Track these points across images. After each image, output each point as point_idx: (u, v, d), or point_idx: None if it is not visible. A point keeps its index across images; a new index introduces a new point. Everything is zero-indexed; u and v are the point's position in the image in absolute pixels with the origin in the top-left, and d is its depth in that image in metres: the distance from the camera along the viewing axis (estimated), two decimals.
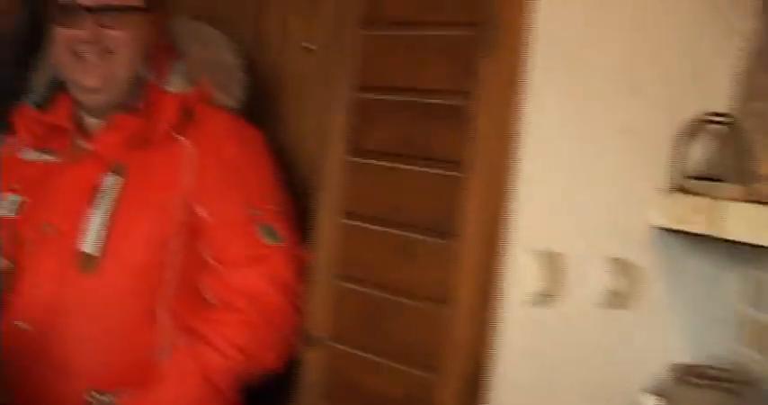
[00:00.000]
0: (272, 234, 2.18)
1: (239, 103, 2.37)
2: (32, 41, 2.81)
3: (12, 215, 2.22)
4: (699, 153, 1.91)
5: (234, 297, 2.15)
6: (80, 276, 2.14)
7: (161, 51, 2.28)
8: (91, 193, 2.17)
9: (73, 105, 2.26)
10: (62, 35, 2.19)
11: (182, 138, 2.19)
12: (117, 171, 2.18)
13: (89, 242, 2.14)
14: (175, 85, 2.27)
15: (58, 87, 2.31)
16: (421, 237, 1.88)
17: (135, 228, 2.16)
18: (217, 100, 2.30)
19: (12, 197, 2.24)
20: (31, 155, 2.29)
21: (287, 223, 2.22)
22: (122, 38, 2.18)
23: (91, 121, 2.25)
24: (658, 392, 1.84)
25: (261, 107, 2.43)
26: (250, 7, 2.57)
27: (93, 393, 2.12)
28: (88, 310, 2.13)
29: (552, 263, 1.85)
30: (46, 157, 2.27)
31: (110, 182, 2.17)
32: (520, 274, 1.83)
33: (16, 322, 2.14)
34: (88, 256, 2.14)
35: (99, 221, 2.15)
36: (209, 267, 2.17)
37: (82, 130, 2.26)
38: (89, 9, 2.15)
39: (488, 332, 1.81)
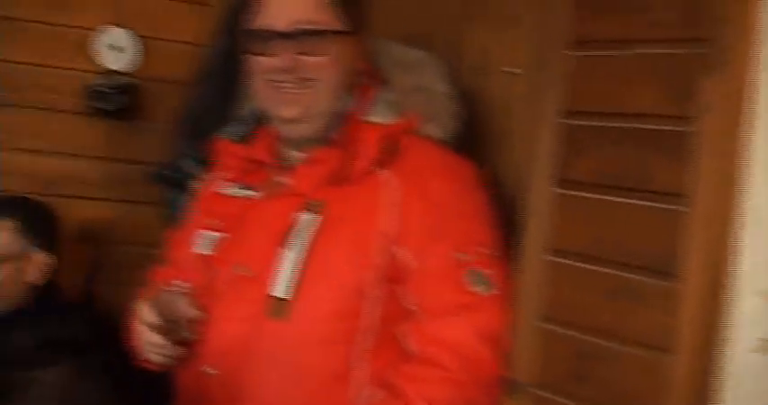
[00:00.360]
0: (483, 281, 1.99)
1: (449, 134, 2.19)
2: (231, 74, 2.80)
3: (210, 253, 2.14)
4: None
5: (437, 350, 1.96)
6: (270, 322, 2.00)
7: (364, 78, 2.13)
8: (285, 233, 2.04)
9: (273, 138, 2.16)
10: (258, 65, 2.07)
11: (384, 173, 2.04)
12: (314, 209, 2.04)
13: (280, 285, 2.00)
14: (379, 115, 2.11)
15: (260, 120, 2.21)
16: (637, 277, 1.73)
17: (330, 271, 2.00)
18: (424, 131, 2.13)
19: (211, 234, 2.15)
20: (232, 190, 2.19)
21: (500, 269, 2.02)
22: (322, 64, 2.04)
23: (292, 155, 2.13)
24: None
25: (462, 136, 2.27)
26: (448, 29, 2.44)
27: None
28: (277, 359, 2.00)
29: None
30: (246, 192, 2.16)
31: (305, 220, 2.03)
32: (747, 319, 1.65)
33: (204, 368, 2.06)
34: (279, 301, 2.00)
35: (292, 263, 2.01)
36: (411, 316, 2.00)
37: (282, 164, 2.14)
38: (285, 35, 2.02)
39: (712, 382, 1.65)
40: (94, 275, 3.10)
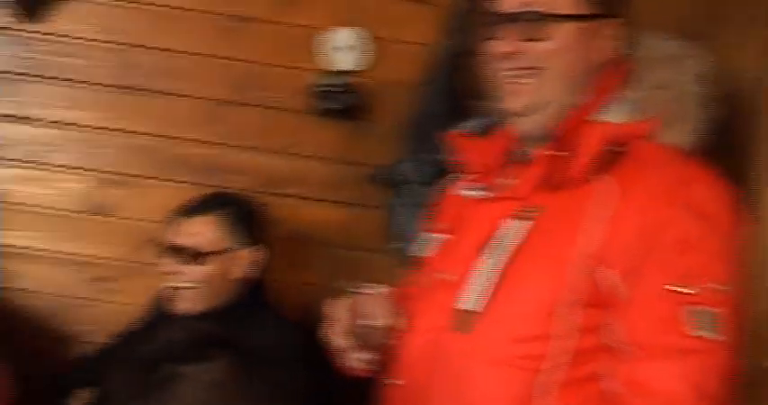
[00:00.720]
0: (710, 323, 1.68)
1: (693, 142, 1.91)
2: (460, 74, 2.69)
3: (429, 255, 1.99)
4: None
5: (637, 397, 1.68)
6: (453, 335, 1.81)
7: (606, 71, 1.87)
8: (487, 239, 1.84)
9: (511, 135, 1.93)
10: (488, 51, 1.86)
11: (603, 181, 1.77)
12: (526, 215, 1.82)
13: (470, 296, 1.81)
14: (612, 113, 1.84)
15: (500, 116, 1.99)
16: None
17: (523, 286, 1.78)
18: (663, 136, 1.85)
19: (435, 237, 2.00)
20: (469, 191, 1.99)
21: (732, 311, 1.71)
22: (549, 51, 1.81)
23: (524, 153, 1.90)
24: None
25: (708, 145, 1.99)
26: (693, 27, 2.21)
27: None
28: (456, 376, 1.80)
29: None
30: (479, 193, 1.95)
31: (510, 228, 1.82)
32: None
33: (392, 378, 1.92)
34: (466, 313, 1.80)
35: (486, 273, 1.81)
36: (611, 351, 1.73)
37: (511, 163, 1.92)
38: (509, 17, 1.82)
39: None
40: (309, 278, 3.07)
